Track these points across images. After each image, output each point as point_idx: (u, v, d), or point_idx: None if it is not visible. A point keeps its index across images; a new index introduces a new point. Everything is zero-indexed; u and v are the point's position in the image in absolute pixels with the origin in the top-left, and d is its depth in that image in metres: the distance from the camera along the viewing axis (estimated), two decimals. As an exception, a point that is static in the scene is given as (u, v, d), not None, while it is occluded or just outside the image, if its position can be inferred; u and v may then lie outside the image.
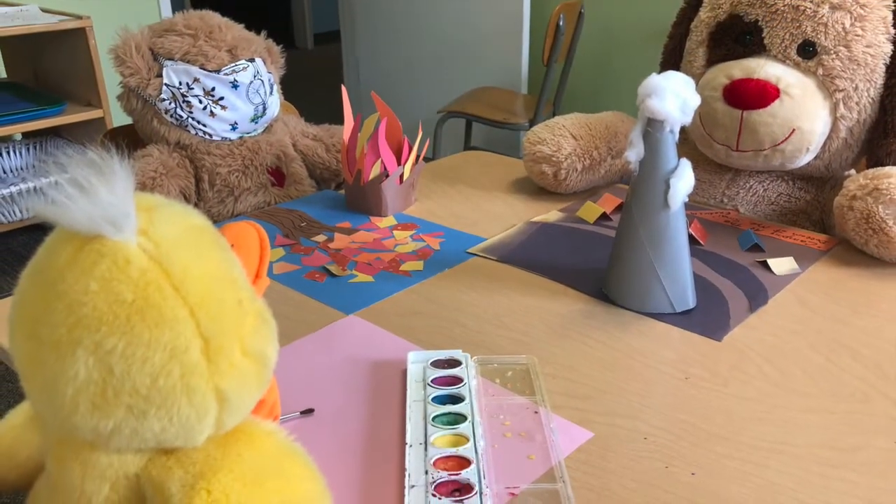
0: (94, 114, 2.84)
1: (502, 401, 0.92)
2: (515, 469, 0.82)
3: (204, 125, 1.73)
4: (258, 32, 1.87)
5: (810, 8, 1.27)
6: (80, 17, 2.74)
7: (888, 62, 1.29)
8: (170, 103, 1.68)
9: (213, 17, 1.76)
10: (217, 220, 1.74)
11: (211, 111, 1.71)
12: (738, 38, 1.34)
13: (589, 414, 0.91)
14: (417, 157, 1.49)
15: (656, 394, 0.95)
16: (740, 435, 0.87)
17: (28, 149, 3.02)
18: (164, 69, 1.68)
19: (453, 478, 0.79)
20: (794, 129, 1.29)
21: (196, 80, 1.69)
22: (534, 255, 1.29)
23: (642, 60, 3.67)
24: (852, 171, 1.44)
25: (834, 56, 1.28)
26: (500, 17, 3.81)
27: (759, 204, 1.41)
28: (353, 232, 1.41)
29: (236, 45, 1.75)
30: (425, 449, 0.83)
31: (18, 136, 3.13)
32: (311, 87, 6.06)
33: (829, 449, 0.85)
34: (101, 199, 0.57)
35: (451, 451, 0.83)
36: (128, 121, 1.84)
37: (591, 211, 1.43)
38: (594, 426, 0.88)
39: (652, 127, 1.03)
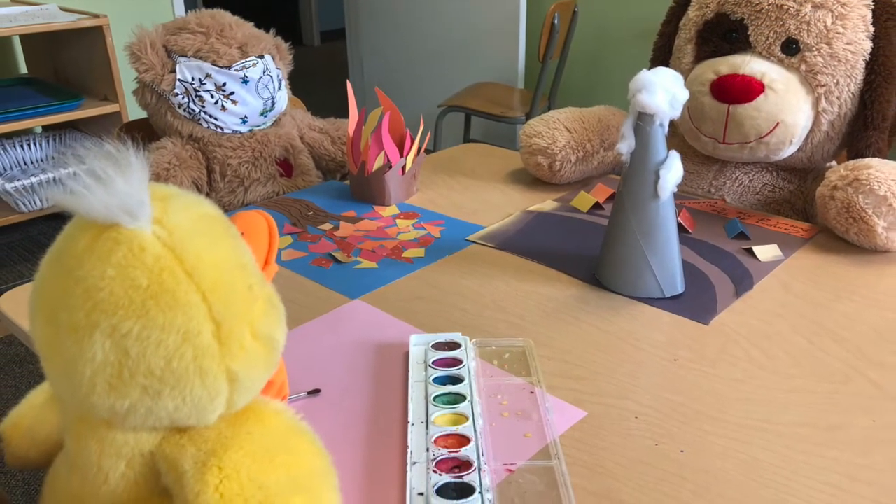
0: (110, 108, 2.83)
1: (500, 381, 0.92)
2: (512, 446, 0.82)
3: (215, 119, 1.72)
4: (267, 30, 1.87)
5: (793, 7, 1.27)
6: (97, 16, 2.73)
7: (867, 59, 1.29)
8: (183, 98, 1.68)
9: (225, 16, 1.76)
10: (228, 209, 1.74)
11: (222, 105, 1.71)
12: (725, 35, 1.34)
13: (582, 394, 0.90)
14: (419, 149, 1.48)
15: (646, 375, 0.94)
16: (726, 414, 0.87)
17: (48, 141, 3.01)
18: (178, 65, 1.67)
19: (453, 455, 0.79)
20: (777, 123, 1.29)
21: (208, 75, 1.68)
22: (530, 242, 1.28)
23: (633, 57, 3.66)
24: (833, 163, 1.43)
25: (816, 53, 1.27)
26: (498, 15, 3.80)
27: (744, 194, 1.40)
28: (358, 220, 1.40)
29: (246, 42, 1.74)
30: (426, 427, 0.83)
31: (39, 129, 3.12)
32: (318, 83, 6.05)
33: (811, 427, 0.85)
34: (118, 189, 0.57)
35: (451, 429, 0.83)
36: (143, 115, 1.84)
37: (584, 200, 1.42)
38: (587, 406, 0.88)
39: (642, 120, 1.02)
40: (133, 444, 0.64)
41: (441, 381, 0.91)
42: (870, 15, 1.28)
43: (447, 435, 0.82)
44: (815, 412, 0.87)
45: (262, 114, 1.77)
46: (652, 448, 0.82)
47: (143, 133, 1.85)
